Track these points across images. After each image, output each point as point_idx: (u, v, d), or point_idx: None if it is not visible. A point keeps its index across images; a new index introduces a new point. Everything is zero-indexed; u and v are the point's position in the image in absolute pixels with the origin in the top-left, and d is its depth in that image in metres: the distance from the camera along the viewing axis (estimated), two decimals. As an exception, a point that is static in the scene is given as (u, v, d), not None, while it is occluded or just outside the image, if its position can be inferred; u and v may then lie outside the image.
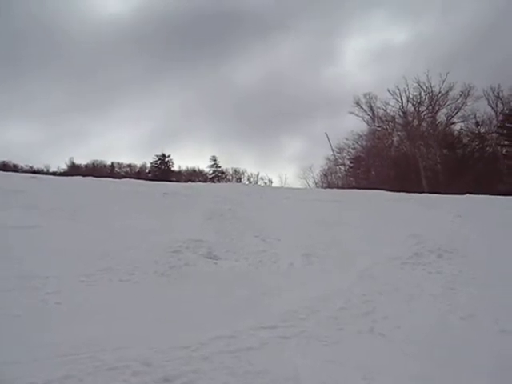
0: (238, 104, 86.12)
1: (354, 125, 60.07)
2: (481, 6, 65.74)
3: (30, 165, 60.32)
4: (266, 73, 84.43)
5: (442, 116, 49.58)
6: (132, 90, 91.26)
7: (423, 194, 23.26)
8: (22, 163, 61.09)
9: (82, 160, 71.47)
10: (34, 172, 42.18)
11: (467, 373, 5.13)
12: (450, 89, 47.20)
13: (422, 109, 49.69)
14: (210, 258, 9.64)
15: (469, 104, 46.79)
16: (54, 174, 48.64)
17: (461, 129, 48.71)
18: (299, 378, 4.65)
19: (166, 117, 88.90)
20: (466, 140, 47.74)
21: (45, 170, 58.83)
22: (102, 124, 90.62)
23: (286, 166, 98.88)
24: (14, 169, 51.18)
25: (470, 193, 21.73)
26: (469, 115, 47.13)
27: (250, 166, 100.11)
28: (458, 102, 47.41)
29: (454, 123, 49.06)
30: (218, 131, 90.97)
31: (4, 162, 58.74)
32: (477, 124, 47.13)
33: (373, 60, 78.47)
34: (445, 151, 47.05)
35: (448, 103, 48.30)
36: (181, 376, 4.41)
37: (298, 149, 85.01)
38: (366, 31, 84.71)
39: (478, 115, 46.84)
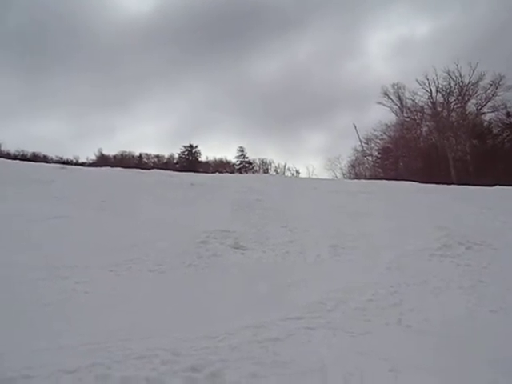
0: (260, 98, 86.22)
1: (380, 116, 59.77)
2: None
3: (60, 156, 61.03)
4: (287, 68, 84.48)
5: (471, 106, 48.83)
6: (157, 83, 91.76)
7: (452, 186, 23.05)
8: (51, 154, 61.81)
9: (110, 151, 72.24)
10: (64, 163, 42.59)
11: (496, 367, 5.07)
12: (481, 78, 46.41)
13: (452, 99, 48.99)
14: (237, 248, 9.67)
15: (499, 94, 45.90)
16: (82, 164, 49.04)
17: (491, 119, 47.86)
18: (325, 369, 4.65)
19: (192, 109, 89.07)
20: (496, 130, 46.94)
21: (74, 161, 59.38)
22: (129, 116, 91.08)
23: (312, 158, 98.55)
24: (44, 159, 51.57)
25: (500, 184, 21.39)
26: (499, 105, 46.25)
27: (276, 157, 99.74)
28: (489, 91, 46.57)
29: (484, 113, 48.24)
30: (244, 123, 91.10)
31: (34, 153, 59.49)
32: (507, 114, 46.22)
33: (395, 53, 77.76)
34: (474, 142, 46.35)
35: (478, 93, 47.51)
36: (208, 365, 4.44)
37: (322, 141, 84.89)
38: (387, 25, 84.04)
39: (508, 105, 45.87)
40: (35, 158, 52.18)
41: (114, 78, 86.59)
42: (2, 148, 58.01)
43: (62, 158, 58.40)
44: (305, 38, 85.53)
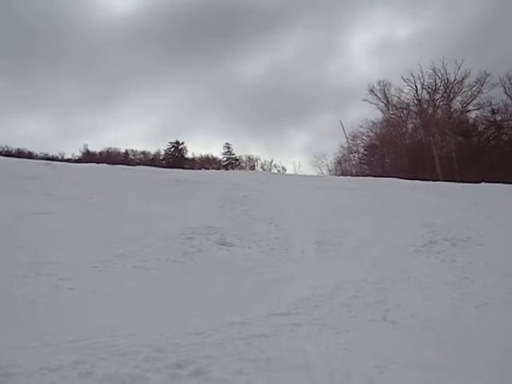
0: (246, 97, 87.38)
1: (365, 114, 60.43)
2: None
3: (45, 152, 60.59)
4: (272, 67, 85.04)
5: (457, 103, 49.03)
6: (143, 82, 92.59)
7: (438, 182, 23.12)
8: (37, 151, 61.39)
9: (96, 148, 71.89)
10: (49, 159, 42.25)
11: (480, 362, 5.10)
12: (466, 76, 46.61)
13: (437, 96, 49.17)
14: (223, 244, 9.65)
15: (485, 91, 46.12)
16: (68, 160, 48.64)
17: (476, 116, 48.09)
18: (311, 365, 4.64)
19: (178, 107, 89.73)
20: (481, 128, 47.15)
21: (59, 157, 58.94)
22: (115, 114, 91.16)
23: (298, 155, 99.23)
24: (29, 156, 51.27)
25: (486, 181, 21.53)
26: (484, 103, 46.48)
27: (263, 153, 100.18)
28: (474, 89, 46.79)
29: (469, 111, 48.49)
30: (230, 121, 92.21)
31: (19, 149, 59.04)
32: (492, 112, 46.46)
33: (378, 53, 78.75)
34: (460, 139, 46.56)
35: (463, 91, 47.72)
36: (193, 362, 4.41)
37: (307, 139, 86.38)
38: (370, 25, 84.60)
39: (493, 103, 46.12)
40: (20, 154, 51.80)
41: (100, 77, 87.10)
42: (-13, 145, 57.56)
43: (47, 155, 57.95)
44: (289, 38, 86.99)
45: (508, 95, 45.64)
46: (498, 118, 46.39)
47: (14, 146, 59.99)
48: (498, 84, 45.36)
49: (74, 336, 4.75)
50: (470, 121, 48.24)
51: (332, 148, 65.42)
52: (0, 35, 79.86)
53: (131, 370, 4.10)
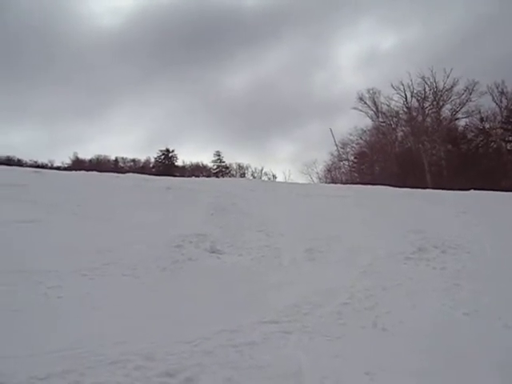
0: (233, 107, 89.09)
1: (353, 124, 60.92)
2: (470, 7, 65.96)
3: (35, 160, 60.44)
4: (258, 78, 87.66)
5: (446, 111, 49.59)
6: (132, 91, 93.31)
7: (427, 190, 23.21)
8: (26, 158, 61.21)
9: (86, 155, 71.88)
10: (38, 167, 42.00)
11: (470, 368, 5.13)
12: (455, 84, 47.22)
13: (427, 104, 49.66)
14: (213, 252, 9.62)
15: (473, 100, 46.74)
16: (58, 168, 48.58)
17: (465, 124, 48.64)
18: (302, 373, 4.64)
19: (167, 115, 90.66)
20: (470, 135, 47.62)
21: (49, 165, 58.80)
22: (105, 122, 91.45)
23: (288, 163, 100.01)
24: (18, 163, 51.07)
25: (475, 188, 21.59)
26: (473, 111, 47.05)
27: (253, 161, 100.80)
28: (463, 97, 47.38)
29: (458, 119, 49.03)
30: (219, 130, 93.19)
31: (8, 156, 58.82)
32: (481, 119, 46.95)
33: (364, 64, 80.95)
34: (449, 147, 46.94)
35: (452, 99, 48.30)
36: (183, 370, 4.41)
37: (295, 148, 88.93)
38: (355, 36, 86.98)
39: (482, 111, 46.68)
40: (9, 161, 51.59)
41: (88, 87, 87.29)
42: (-26, 152, 57.34)
43: (36, 162, 57.91)
44: (274, 50, 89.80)
45: (496, 103, 46.13)
46: (487, 125, 46.90)
47: (3, 153, 59.90)
48: (486, 92, 45.94)
49: (63, 345, 4.73)
50: (460, 128, 48.81)
51: (320, 157, 65.89)
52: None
53: (121, 379, 4.09)
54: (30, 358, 4.33)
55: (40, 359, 4.33)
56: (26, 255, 8.03)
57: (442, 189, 23.66)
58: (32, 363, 4.23)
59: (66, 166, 61.10)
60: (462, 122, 49.09)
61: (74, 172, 20.34)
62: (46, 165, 58.60)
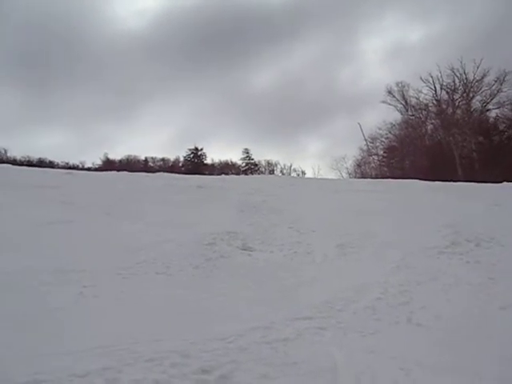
0: (261, 104, 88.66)
1: (381, 118, 59.90)
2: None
3: (66, 161, 61.24)
4: (285, 75, 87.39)
5: (476, 103, 48.59)
6: (160, 91, 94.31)
7: (459, 183, 22.94)
8: (57, 160, 62.05)
9: (116, 155, 72.63)
10: (70, 168, 42.80)
11: (506, 364, 5.04)
12: (485, 75, 46.20)
13: (457, 96, 48.82)
14: (245, 249, 9.66)
15: (504, 90, 45.67)
16: (89, 169, 49.23)
17: (496, 115, 47.59)
18: (336, 369, 4.62)
19: (195, 114, 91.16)
20: (502, 127, 46.66)
21: (80, 166, 59.51)
22: (134, 122, 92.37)
23: (315, 159, 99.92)
24: (50, 165, 51.77)
25: (507, 181, 21.27)
26: (504, 101, 45.99)
27: (282, 158, 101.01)
28: (494, 88, 46.38)
29: (489, 110, 48.02)
30: (247, 127, 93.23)
31: (40, 158, 59.75)
32: (513, 110, 46.08)
33: (390, 57, 79.39)
34: (480, 139, 46.10)
35: (483, 89, 47.29)
36: (218, 367, 4.42)
37: (323, 143, 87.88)
38: (380, 31, 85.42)
39: (514, 101, 45.79)
40: (41, 163, 52.39)
41: (117, 89, 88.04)
42: (9, 154, 58.42)
43: (68, 164, 58.66)
44: (300, 47, 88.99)
45: (528, 92, 45.17)
46: (519, 116, 45.91)
47: (35, 155, 60.87)
48: (517, 82, 44.93)
49: (100, 343, 4.78)
50: (491, 120, 47.77)
51: (349, 152, 65.62)
52: (15, 47, 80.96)
53: (158, 376, 4.12)
54: (68, 356, 4.39)
55: (78, 357, 4.39)
56: (61, 255, 8.17)
57: (474, 182, 23.37)
58: (70, 361, 4.29)
59: (97, 166, 61.83)
60: (492, 113, 48.08)
61: (104, 172, 20.61)
62: (77, 166, 59.37)
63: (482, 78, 46.57)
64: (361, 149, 54.37)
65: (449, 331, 6.02)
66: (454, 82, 48.06)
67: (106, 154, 68.89)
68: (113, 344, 4.75)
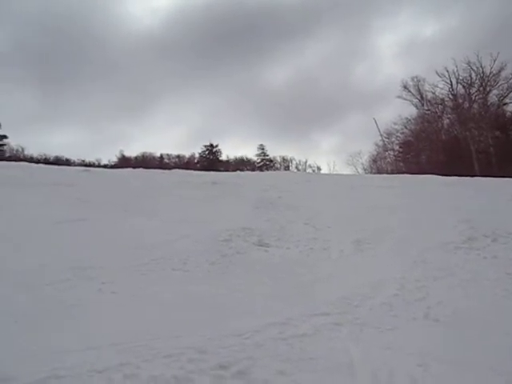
0: (276, 101, 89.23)
1: (395, 113, 59.91)
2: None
3: (82, 158, 61.63)
4: (299, 71, 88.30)
5: (493, 97, 48.20)
6: (175, 88, 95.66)
7: (475, 178, 22.76)
8: (74, 157, 62.46)
9: (131, 153, 73.09)
10: (86, 165, 42.97)
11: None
12: (502, 68, 45.79)
13: (473, 90, 48.45)
14: (261, 245, 9.68)
15: (522, 84, 45.38)
16: (105, 166, 49.44)
17: (514, 110, 47.29)
18: (353, 365, 4.62)
19: (210, 111, 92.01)
20: (519, 121, 46.34)
21: (96, 164, 59.87)
22: (149, 119, 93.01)
23: (329, 155, 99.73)
24: (67, 163, 52.19)
25: (525, 175, 21.09)
26: (522, 95, 45.72)
27: (297, 154, 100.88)
28: (511, 81, 46.03)
29: (506, 104, 47.61)
30: (261, 124, 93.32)
31: (57, 156, 60.22)
32: (530, 104, 45.65)
33: (404, 53, 79.64)
34: (497, 133, 45.72)
35: (500, 83, 46.89)
36: (236, 363, 4.44)
37: (337, 139, 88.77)
38: (394, 27, 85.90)
39: (531, 95, 45.37)
40: (58, 161, 52.81)
41: (132, 87, 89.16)
42: (26, 152, 58.92)
43: (84, 161, 58.99)
44: (314, 43, 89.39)
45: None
46: (537, 110, 45.45)
47: (51, 153, 61.34)
48: (535, 75, 44.46)
49: (118, 339, 4.83)
50: (508, 114, 47.38)
51: (365, 147, 65.13)
52: (29, 43, 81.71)
53: (176, 372, 4.15)
54: (87, 352, 4.44)
55: (97, 352, 4.43)
56: (78, 252, 8.24)
57: (491, 176, 23.18)
58: (89, 356, 4.33)
59: (113, 163, 62.14)
60: (510, 107, 47.69)
61: (121, 170, 20.71)
62: (93, 163, 59.73)
63: (499, 71, 46.19)
64: (376, 144, 54.30)
65: (466, 327, 5.99)
66: (470, 76, 47.71)
67: (121, 151, 69.36)
68: (131, 340, 4.80)
